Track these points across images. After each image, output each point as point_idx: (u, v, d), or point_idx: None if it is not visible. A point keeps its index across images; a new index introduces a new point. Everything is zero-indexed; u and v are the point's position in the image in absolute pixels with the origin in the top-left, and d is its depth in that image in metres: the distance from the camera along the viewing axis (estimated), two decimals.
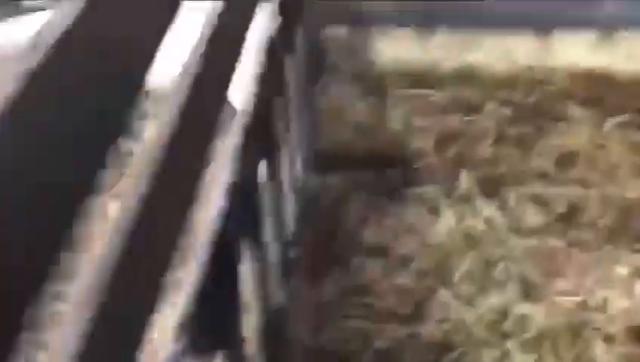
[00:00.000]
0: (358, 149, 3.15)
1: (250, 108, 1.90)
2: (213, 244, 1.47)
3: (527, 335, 2.37)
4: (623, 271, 2.57)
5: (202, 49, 1.40)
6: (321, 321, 2.40)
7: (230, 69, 1.64)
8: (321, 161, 3.04)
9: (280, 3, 2.36)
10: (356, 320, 2.42)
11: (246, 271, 1.72)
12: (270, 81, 2.13)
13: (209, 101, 1.43)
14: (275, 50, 2.24)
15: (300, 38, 2.85)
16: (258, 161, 1.98)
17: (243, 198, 1.67)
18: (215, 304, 1.46)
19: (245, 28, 1.84)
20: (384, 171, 3.03)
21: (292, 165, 2.59)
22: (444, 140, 3.18)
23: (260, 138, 1.98)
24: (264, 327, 1.91)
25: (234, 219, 1.56)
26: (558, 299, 2.49)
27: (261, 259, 1.88)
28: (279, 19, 2.35)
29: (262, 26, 2.15)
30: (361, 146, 3.17)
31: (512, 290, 2.53)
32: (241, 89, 1.87)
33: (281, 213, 2.28)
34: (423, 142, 3.18)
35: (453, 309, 2.47)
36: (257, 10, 2.00)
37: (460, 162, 3.07)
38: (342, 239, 2.71)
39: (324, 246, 2.66)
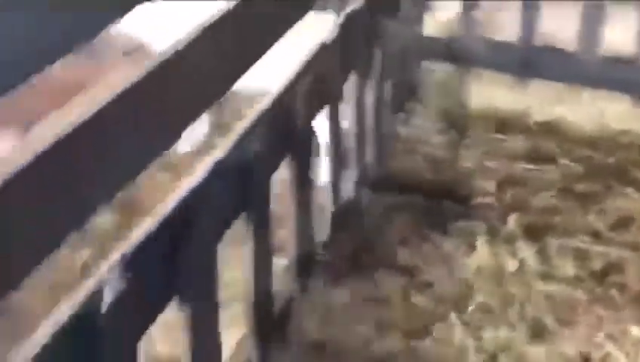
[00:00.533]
0: (420, 178, 3.31)
1: None
2: None
3: None
4: (638, 332, 2.57)
5: None
6: (328, 318, 2.58)
7: None
8: (381, 181, 3.23)
9: None
10: (361, 326, 2.57)
11: None
12: None
13: None
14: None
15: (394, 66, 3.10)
16: None
17: None
18: None
19: None
20: (441, 202, 3.17)
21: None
22: (507, 183, 3.27)
23: None
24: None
25: None
26: (563, 346, 2.53)
27: None
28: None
29: None
30: (424, 176, 3.33)
31: (521, 330, 2.59)
32: None
33: None
34: (486, 183, 3.29)
35: (458, 333, 2.57)
36: None
37: (515, 207, 3.15)
38: (375, 251, 2.87)
39: (356, 252, 2.84)
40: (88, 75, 2.89)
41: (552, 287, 2.75)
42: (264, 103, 2.14)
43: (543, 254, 2.89)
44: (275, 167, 2.22)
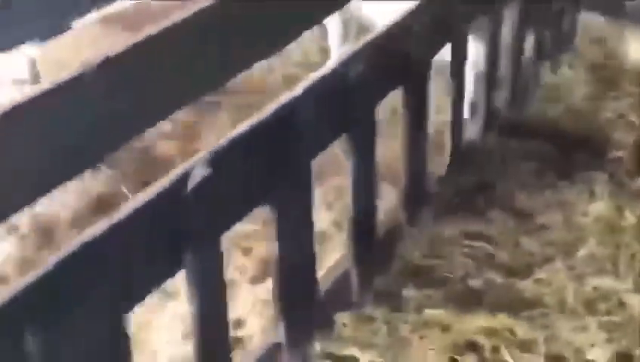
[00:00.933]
0: (556, 127, 3.29)
1: None
2: None
3: (614, 318, 2.43)
4: None
5: None
6: (432, 248, 2.70)
7: None
8: (512, 126, 3.26)
9: None
10: (464, 259, 2.66)
11: None
12: None
13: None
14: None
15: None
16: None
17: None
18: None
19: None
20: (572, 153, 3.15)
21: None
22: None
23: None
24: None
25: None
26: None
27: None
28: None
29: None
30: (561, 126, 3.31)
31: (626, 281, 2.57)
32: None
33: None
34: (624, 137, 3.22)
35: (560, 277, 2.59)
36: None
37: None
38: (492, 192, 2.93)
39: (471, 191, 2.91)
40: None
41: None
42: (379, 30, 2.27)
43: None
44: (382, 95, 2.35)
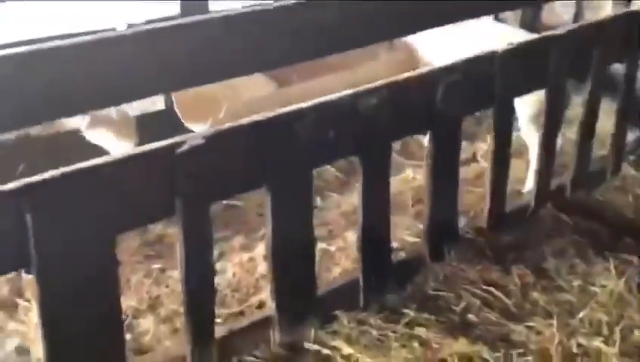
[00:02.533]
0: (617, 212, 3.50)
1: None
2: None
3: None
4: None
5: None
6: (447, 282, 3.04)
7: None
8: (574, 204, 3.51)
9: None
10: (471, 295, 2.98)
11: None
12: None
13: None
14: None
15: None
16: None
17: None
18: None
19: None
20: (619, 237, 3.34)
21: None
22: None
23: None
24: None
25: None
26: None
27: None
28: None
29: None
30: (624, 212, 3.50)
31: (615, 346, 2.76)
32: None
33: None
34: None
35: (551, 330, 2.82)
36: None
37: None
38: (518, 252, 3.21)
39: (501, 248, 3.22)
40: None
41: None
42: None
43: None
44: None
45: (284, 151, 2.45)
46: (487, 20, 4.02)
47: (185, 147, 2.19)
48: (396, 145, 3.76)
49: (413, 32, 3.26)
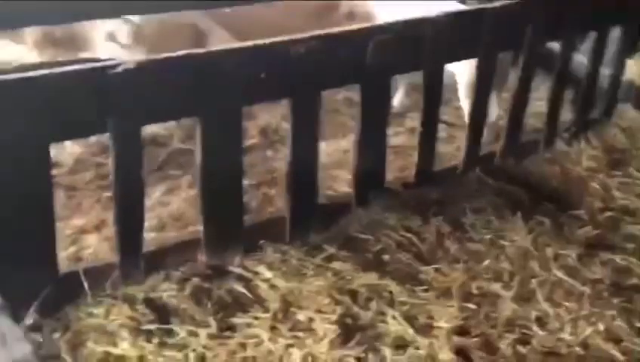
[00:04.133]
0: (543, 182, 3.76)
1: None
2: None
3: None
4: None
5: None
6: (369, 226, 3.31)
7: None
8: (502, 171, 3.78)
9: None
10: (388, 238, 3.25)
11: None
12: None
13: None
14: None
15: None
16: None
17: None
18: None
19: None
20: (538, 203, 3.60)
21: None
22: None
23: None
24: None
25: None
26: None
27: None
28: None
29: None
30: (550, 183, 3.77)
31: (508, 288, 3.04)
32: None
33: None
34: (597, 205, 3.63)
35: (454, 274, 3.10)
36: None
37: None
38: (440, 207, 3.48)
39: (426, 201, 3.49)
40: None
41: None
42: None
43: None
44: None
45: (215, 87, 2.71)
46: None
47: (118, 69, 2.47)
48: None
49: None
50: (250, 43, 2.81)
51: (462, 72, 3.90)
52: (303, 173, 3.13)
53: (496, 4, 3.49)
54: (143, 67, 2.52)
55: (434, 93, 3.39)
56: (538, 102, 4.34)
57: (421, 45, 3.24)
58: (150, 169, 3.77)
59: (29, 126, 2.37)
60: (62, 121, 2.44)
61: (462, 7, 4.26)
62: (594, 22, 3.97)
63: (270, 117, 4.32)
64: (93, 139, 3.73)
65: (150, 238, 3.06)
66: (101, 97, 2.48)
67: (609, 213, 3.56)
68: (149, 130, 3.95)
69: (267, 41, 2.83)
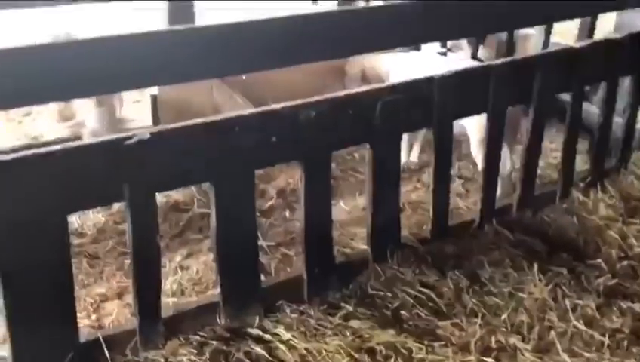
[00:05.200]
0: (560, 232, 3.77)
1: None
2: None
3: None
4: None
5: None
6: (387, 283, 3.34)
7: None
8: (519, 223, 3.80)
9: None
10: (406, 295, 3.27)
11: None
12: None
13: None
14: None
15: None
16: None
17: None
18: None
19: None
20: (555, 253, 3.61)
21: None
22: None
23: None
24: None
25: None
26: None
27: None
28: None
29: None
30: (567, 232, 3.78)
31: (527, 342, 3.04)
32: None
33: None
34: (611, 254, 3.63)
35: (473, 328, 3.11)
36: None
37: None
38: (458, 261, 3.50)
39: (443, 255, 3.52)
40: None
41: None
42: None
43: None
44: None
45: (227, 152, 2.80)
46: (433, 52, 4.43)
47: (133, 140, 2.56)
48: None
49: None
50: (260, 109, 2.90)
51: (473, 127, 3.96)
52: (318, 232, 3.18)
53: (503, 60, 3.57)
54: (156, 137, 2.61)
55: (444, 150, 3.44)
56: (555, 153, 4.37)
57: (429, 104, 3.30)
58: (171, 234, 3.88)
59: (48, 198, 2.46)
60: (79, 192, 2.53)
61: (470, 62, 4.37)
62: (604, 73, 4.01)
63: (288, 177, 4.40)
64: (115, 206, 3.85)
65: (170, 303, 3.12)
66: (117, 167, 2.56)
67: (627, 262, 3.55)
68: (170, 196, 4.07)
69: (277, 106, 2.92)
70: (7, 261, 2.43)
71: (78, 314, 2.71)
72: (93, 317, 3.18)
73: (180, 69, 2.75)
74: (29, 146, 3.95)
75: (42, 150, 2.43)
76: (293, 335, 3.00)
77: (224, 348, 2.90)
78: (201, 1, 4.53)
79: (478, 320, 3.14)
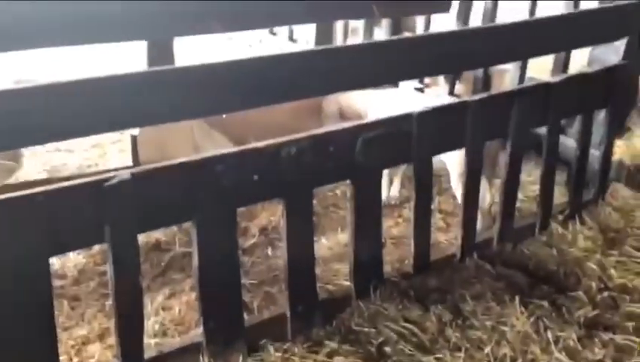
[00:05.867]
0: (540, 264, 3.80)
1: None
2: None
3: None
4: None
5: None
6: (370, 319, 3.34)
7: None
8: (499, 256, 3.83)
9: None
10: (390, 331, 3.28)
11: None
12: None
13: None
14: None
15: None
16: None
17: None
18: None
19: None
20: (537, 285, 3.64)
21: None
22: None
23: None
24: None
25: None
26: None
27: None
28: None
29: None
30: (546, 264, 3.81)
31: None
32: None
33: None
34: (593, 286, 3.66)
35: None
36: None
37: None
38: (441, 295, 3.51)
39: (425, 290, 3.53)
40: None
41: None
42: None
43: None
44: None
45: (208, 191, 2.81)
46: (410, 88, 4.49)
47: (113, 181, 2.57)
48: None
49: None
50: (241, 147, 2.91)
51: (452, 162, 4.00)
52: (301, 269, 3.19)
53: (480, 96, 3.62)
54: (137, 177, 2.62)
55: (424, 184, 3.48)
56: (533, 186, 4.42)
57: (408, 139, 3.34)
58: (153, 274, 3.86)
59: (29, 240, 2.45)
60: (60, 235, 2.52)
61: (447, 98, 4.43)
62: (579, 106, 4.08)
63: (270, 214, 4.41)
64: (96, 248, 3.84)
65: (152, 344, 3.10)
66: (98, 209, 2.56)
67: (607, 293, 3.58)
68: (152, 236, 4.06)
69: (258, 144, 2.94)
70: None
71: (60, 358, 2.68)
72: (76, 360, 3.16)
73: (160, 109, 2.75)
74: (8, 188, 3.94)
75: (24, 192, 2.42)
76: None
77: None
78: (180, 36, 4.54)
79: (462, 354, 3.15)
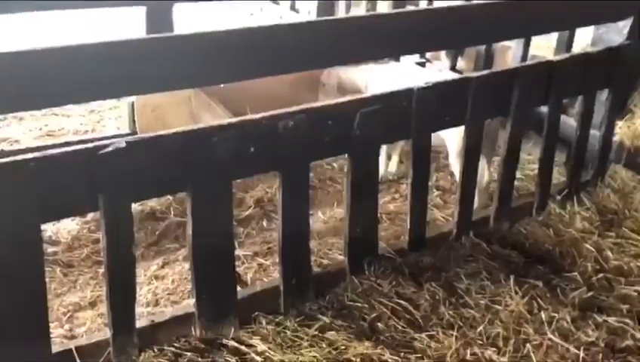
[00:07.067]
0: (536, 244, 3.79)
1: None
2: None
3: None
4: None
5: None
6: (364, 294, 3.33)
7: None
8: (494, 234, 3.81)
9: None
10: (383, 307, 3.26)
11: None
12: None
13: None
14: None
15: None
16: None
17: None
18: None
19: None
20: (532, 265, 3.62)
21: None
22: None
23: None
24: None
25: None
26: None
27: None
28: None
29: None
30: (542, 244, 3.79)
31: (502, 354, 3.04)
32: None
33: None
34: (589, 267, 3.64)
35: (448, 338, 3.11)
36: None
37: None
38: (435, 272, 3.50)
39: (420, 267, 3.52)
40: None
41: None
42: None
43: None
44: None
45: (204, 162, 2.77)
46: (411, 63, 4.44)
47: (108, 149, 2.53)
48: None
49: None
50: (238, 118, 2.88)
51: (451, 138, 3.97)
52: (296, 243, 3.16)
53: (482, 72, 3.58)
54: (133, 146, 2.58)
55: (422, 161, 3.44)
56: (532, 166, 4.39)
57: (407, 115, 3.30)
58: (147, 243, 3.85)
59: (22, 206, 2.42)
60: (52, 202, 2.49)
61: (449, 74, 4.38)
62: (581, 86, 4.04)
63: (266, 186, 4.38)
64: (90, 215, 3.81)
65: (144, 313, 3.09)
66: (92, 176, 2.53)
67: (602, 275, 3.56)
68: (147, 204, 4.04)
69: (256, 116, 2.90)
70: None
71: (51, 324, 2.67)
72: (67, 326, 3.14)
73: (158, 77, 2.71)
74: (2, 154, 3.90)
75: (16, 158, 2.39)
76: (269, 347, 2.98)
77: (199, 359, 2.87)
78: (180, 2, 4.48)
79: (455, 332, 3.13)
